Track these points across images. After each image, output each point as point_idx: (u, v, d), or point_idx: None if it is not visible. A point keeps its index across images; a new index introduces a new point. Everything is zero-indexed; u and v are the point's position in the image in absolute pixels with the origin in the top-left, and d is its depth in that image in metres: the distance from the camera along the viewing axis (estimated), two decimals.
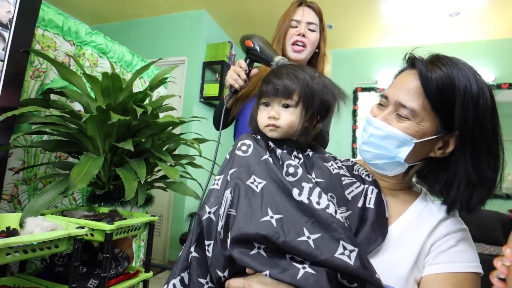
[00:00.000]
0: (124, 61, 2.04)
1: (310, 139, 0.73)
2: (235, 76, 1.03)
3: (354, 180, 0.71)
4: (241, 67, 1.03)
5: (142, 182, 1.32)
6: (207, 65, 3.55)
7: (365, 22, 3.61)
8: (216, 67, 3.59)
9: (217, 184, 0.66)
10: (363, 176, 0.72)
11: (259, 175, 0.62)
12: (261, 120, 0.71)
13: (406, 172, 0.68)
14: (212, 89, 3.44)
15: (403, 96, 0.64)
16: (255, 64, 1.11)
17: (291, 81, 0.68)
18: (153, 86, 1.62)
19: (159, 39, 3.73)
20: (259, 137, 0.72)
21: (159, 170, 1.82)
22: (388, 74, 4.09)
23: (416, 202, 0.71)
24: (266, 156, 0.65)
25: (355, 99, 4.19)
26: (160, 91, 2.35)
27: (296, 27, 1.20)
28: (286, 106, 0.68)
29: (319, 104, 0.69)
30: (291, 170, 0.63)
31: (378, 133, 0.66)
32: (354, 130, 4.11)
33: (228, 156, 0.69)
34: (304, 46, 1.18)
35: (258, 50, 0.98)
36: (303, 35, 1.18)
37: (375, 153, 0.67)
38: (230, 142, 1.38)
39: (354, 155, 4.08)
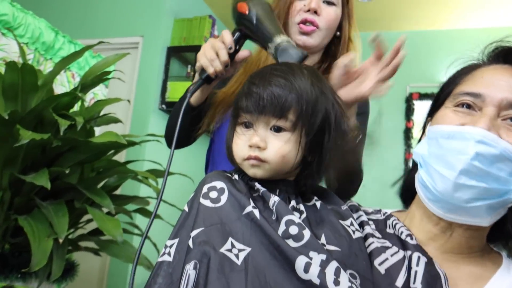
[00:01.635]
0: (41, 42, 2.08)
1: (318, 180, 0.75)
2: (211, 54, 1.03)
3: (388, 243, 0.72)
4: (223, 42, 1.06)
5: (61, 240, 1.31)
6: (174, 52, 3.61)
7: None
8: (188, 56, 3.65)
9: (169, 253, 0.66)
10: (403, 236, 0.73)
11: (241, 237, 0.63)
12: (238, 150, 0.72)
13: (503, 218, 0.71)
14: (180, 90, 3.46)
15: (510, 94, 0.69)
16: (250, 45, 1.14)
17: (285, 89, 0.69)
18: (87, 84, 1.65)
19: (98, 9, 3.82)
20: (236, 176, 0.73)
21: (90, 221, 1.81)
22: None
23: (499, 275, 0.71)
24: (249, 208, 0.66)
25: (409, 111, 4.28)
26: (98, 92, 2.38)
27: None
28: (277, 129, 0.70)
29: (327, 123, 0.71)
30: (294, 230, 0.63)
31: (489, 151, 0.65)
32: (407, 162, 4.15)
33: (187, 208, 0.70)
34: (316, 26, 1.23)
35: (254, 20, 0.99)
36: (315, 12, 1.21)
37: (480, 189, 0.66)
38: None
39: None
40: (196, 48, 3.53)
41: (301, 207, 0.70)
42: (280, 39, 0.95)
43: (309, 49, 1.23)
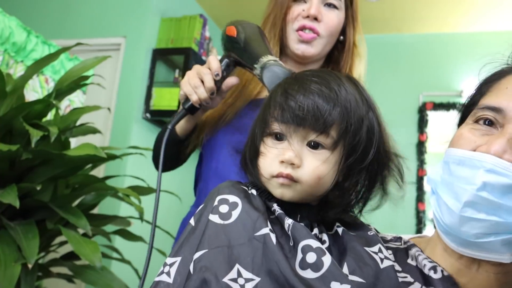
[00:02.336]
0: (11, 42, 2.09)
1: (349, 210, 0.74)
2: (195, 81, 1.06)
3: (410, 278, 0.71)
4: (210, 68, 1.06)
5: (30, 265, 1.30)
6: (160, 55, 3.63)
7: None
8: (175, 59, 3.66)
9: (168, 273, 0.65)
10: (426, 270, 0.73)
11: (250, 264, 0.61)
12: (267, 165, 0.70)
13: None
14: (167, 97, 3.49)
15: None
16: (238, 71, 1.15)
17: (330, 101, 0.67)
18: (62, 90, 1.65)
19: (76, 7, 3.83)
20: (253, 191, 0.72)
21: (63, 243, 1.79)
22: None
23: None
24: (266, 230, 0.65)
25: (422, 122, 4.31)
26: (75, 99, 2.39)
27: (304, 1, 1.25)
28: (315, 145, 0.68)
29: (370, 145, 0.70)
30: (311, 257, 0.62)
31: (499, 181, 0.63)
32: (420, 179, 4.16)
33: (193, 222, 0.69)
34: (316, 33, 1.23)
35: (242, 42, 1.02)
36: (315, 18, 1.22)
37: (492, 223, 0.64)
38: (190, 197, 1.38)
39: (420, 227, 4.07)
40: (185, 51, 3.56)
41: (324, 236, 0.69)
42: (266, 58, 0.97)
43: (309, 59, 1.25)
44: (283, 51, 1.28)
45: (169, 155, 1.22)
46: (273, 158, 0.69)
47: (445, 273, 0.71)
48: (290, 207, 0.70)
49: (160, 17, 3.73)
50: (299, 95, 0.67)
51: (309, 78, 0.70)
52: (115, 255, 2.05)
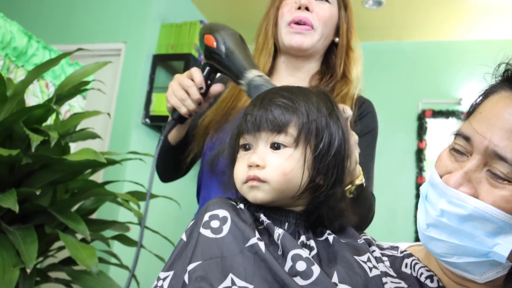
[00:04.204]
0: (12, 47, 2.10)
1: (332, 210, 0.75)
2: (181, 93, 1.07)
3: (404, 284, 0.72)
4: (192, 80, 1.06)
5: (29, 270, 1.30)
6: (160, 61, 3.64)
7: None
8: (175, 65, 3.67)
9: (161, 287, 0.66)
10: (423, 278, 0.73)
11: (243, 273, 0.63)
12: (238, 173, 0.74)
13: (509, 274, 0.70)
14: (166, 103, 3.48)
15: (501, 140, 0.65)
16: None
17: (285, 106, 0.72)
18: (62, 95, 1.66)
19: (77, 12, 3.85)
20: (241, 205, 0.73)
21: (61, 248, 1.79)
22: (480, 88, 4.17)
23: None
24: (254, 240, 0.66)
25: (421, 130, 4.31)
26: (75, 104, 2.39)
27: None
28: (277, 146, 0.72)
29: (334, 144, 0.73)
30: (301, 266, 0.64)
31: (456, 212, 0.66)
32: (419, 187, 4.14)
33: (185, 237, 0.70)
34: (309, 25, 1.22)
35: (223, 55, 1.02)
36: (306, 8, 1.22)
37: (452, 245, 0.67)
38: (193, 203, 1.38)
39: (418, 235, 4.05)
40: (185, 57, 3.57)
41: (312, 243, 0.71)
42: (252, 74, 0.98)
43: (304, 51, 1.24)
44: (278, 47, 1.28)
45: (167, 163, 1.25)
46: (242, 166, 0.73)
47: (441, 284, 0.73)
48: (277, 215, 0.73)
49: (160, 23, 3.74)
50: (258, 108, 0.73)
51: (274, 92, 0.75)
52: (113, 260, 2.05)
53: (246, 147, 0.74)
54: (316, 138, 0.71)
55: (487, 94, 0.73)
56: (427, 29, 4.26)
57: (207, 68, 1.08)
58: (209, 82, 1.08)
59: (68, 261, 1.76)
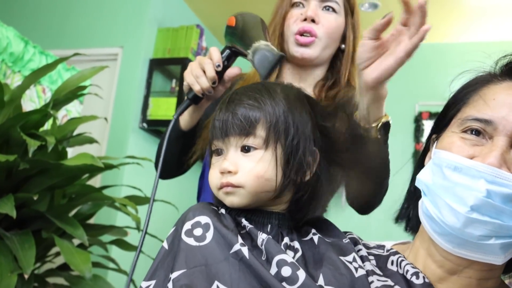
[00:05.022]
0: (9, 53, 2.10)
1: (314, 207, 0.75)
2: (197, 71, 1.07)
3: (390, 282, 0.72)
4: (211, 59, 1.07)
5: (27, 276, 1.30)
6: (157, 65, 3.65)
7: (436, 0, 3.82)
8: (172, 69, 3.68)
9: None
10: (409, 276, 0.73)
11: (228, 280, 0.63)
12: (212, 179, 0.74)
13: None
14: (164, 107, 3.50)
15: None
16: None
17: (250, 107, 0.71)
18: (59, 100, 1.66)
19: (73, 17, 3.85)
20: (222, 210, 0.73)
21: (59, 254, 1.79)
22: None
23: None
24: (237, 246, 0.66)
25: (418, 132, 4.32)
26: (72, 109, 2.39)
27: (303, 6, 1.26)
28: (247, 149, 0.71)
29: (304, 138, 0.72)
30: (286, 271, 0.63)
31: (502, 191, 0.66)
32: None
33: (166, 245, 0.70)
34: (314, 36, 1.22)
35: (239, 30, 1.04)
36: (312, 20, 1.23)
37: (495, 225, 0.67)
38: (187, 206, 1.38)
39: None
40: (182, 61, 3.57)
41: (296, 244, 0.70)
42: (258, 43, 0.98)
43: (309, 62, 1.25)
44: (286, 54, 1.28)
45: (172, 152, 1.21)
46: (215, 172, 0.73)
47: (427, 280, 0.73)
48: (259, 218, 0.72)
49: (157, 27, 3.74)
50: (225, 112, 0.72)
51: (239, 93, 0.74)
52: (111, 265, 2.04)
53: (218, 152, 0.74)
54: (285, 135, 0.71)
55: (484, 83, 0.76)
56: None
57: (227, 50, 1.08)
58: (225, 63, 1.08)
59: (65, 266, 1.76)
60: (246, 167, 0.70)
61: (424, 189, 0.75)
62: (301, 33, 1.23)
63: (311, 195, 0.73)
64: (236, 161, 0.71)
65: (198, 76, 1.06)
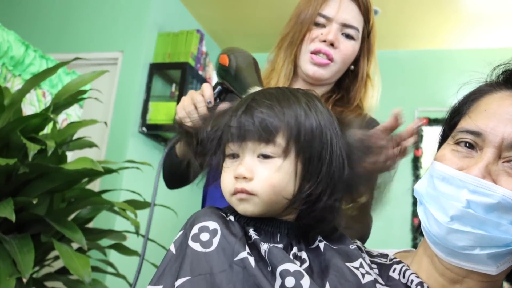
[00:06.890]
0: (9, 56, 2.10)
1: (325, 220, 0.72)
2: (189, 107, 1.09)
3: None
4: (203, 95, 1.08)
5: (25, 280, 1.30)
6: (157, 69, 3.66)
7: (434, 7, 3.86)
8: (172, 73, 3.70)
9: None
10: (413, 285, 0.72)
11: None
12: (225, 184, 0.72)
13: None
14: (163, 112, 3.51)
15: None
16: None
17: (271, 112, 0.68)
18: (59, 104, 1.66)
19: (74, 21, 3.86)
20: (231, 217, 0.72)
21: (58, 257, 1.78)
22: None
23: None
24: (244, 254, 0.65)
25: (418, 138, 4.25)
26: (71, 113, 2.39)
27: (324, 26, 1.26)
28: (265, 156, 0.69)
29: (326, 150, 0.69)
30: (290, 282, 0.62)
31: (483, 201, 0.66)
32: None
33: (173, 249, 0.69)
34: (330, 59, 1.24)
35: (233, 71, 1.05)
36: (331, 44, 1.23)
37: (477, 235, 0.66)
38: (190, 212, 1.38)
39: (416, 242, 4.05)
40: (182, 65, 3.57)
41: (303, 254, 0.69)
42: (253, 90, 0.98)
43: (320, 81, 1.26)
44: (295, 70, 1.29)
45: (174, 174, 1.27)
46: (229, 176, 0.70)
47: None
48: (269, 227, 0.71)
49: (157, 32, 3.75)
50: (243, 113, 0.69)
51: (257, 95, 0.72)
52: (110, 269, 2.04)
53: (232, 156, 0.71)
54: (308, 147, 0.68)
55: (482, 94, 0.76)
56: (422, 38, 4.29)
57: (219, 87, 1.10)
58: (217, 101, 1.10)
59: (64, 270, 1.75)
60: (263, 175, 0.68)
61: (420, 198, 0.76)
62: (317, 53, 1.24)
63: (323, 211, 0.71)
64: (252, 167, 0.68)
65: (189, 112, 1.08)
